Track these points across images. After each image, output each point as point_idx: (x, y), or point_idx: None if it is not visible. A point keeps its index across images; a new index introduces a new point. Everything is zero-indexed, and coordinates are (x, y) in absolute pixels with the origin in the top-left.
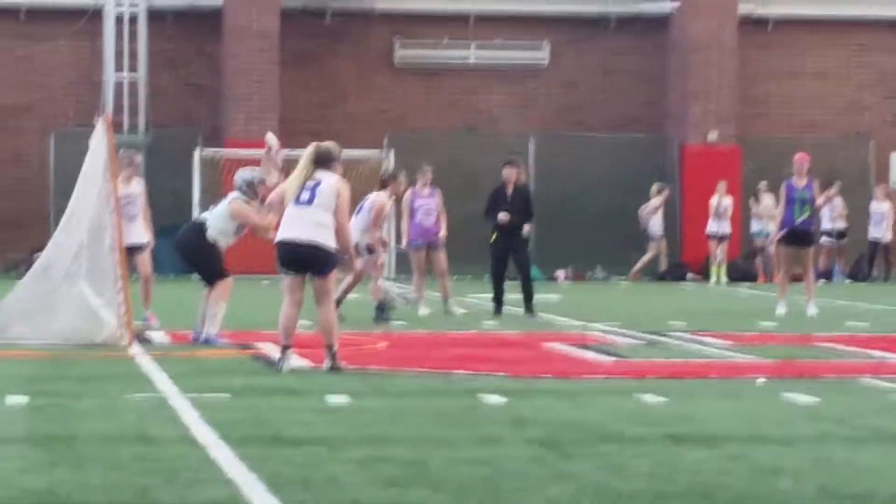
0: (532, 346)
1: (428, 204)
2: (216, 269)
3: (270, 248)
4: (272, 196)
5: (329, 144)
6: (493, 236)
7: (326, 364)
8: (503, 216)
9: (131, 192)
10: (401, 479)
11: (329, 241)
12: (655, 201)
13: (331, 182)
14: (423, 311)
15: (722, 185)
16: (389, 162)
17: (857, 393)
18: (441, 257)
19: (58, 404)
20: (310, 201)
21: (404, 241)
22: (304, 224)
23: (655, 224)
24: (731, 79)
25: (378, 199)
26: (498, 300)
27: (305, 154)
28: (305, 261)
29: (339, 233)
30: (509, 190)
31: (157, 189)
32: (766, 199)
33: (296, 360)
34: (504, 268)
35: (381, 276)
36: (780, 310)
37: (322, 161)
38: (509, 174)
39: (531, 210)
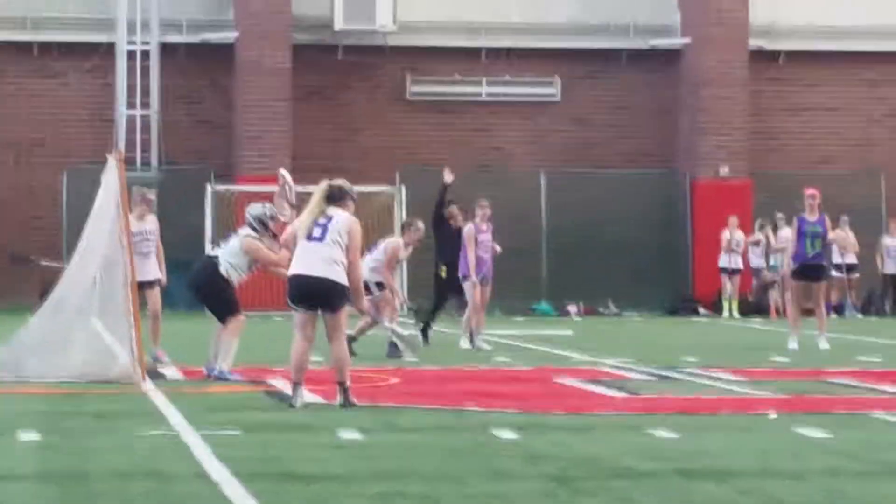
0: (544, 382)
1: (488, 239)
2: (229, 305)
3: (282, 284)
4: (285, 234)
5: (341, 182)
6: (444, 270)
7: (339, 400)
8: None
9: (144, 228)
10: None
11: (340, 277)
12: (755, 237)
13: (342, 219)
14: (465, 345)
15: (733, 220)
16: (401, 197)
17: (869, 427)
18: (487, 291)
19: (71, 441)
20: (321, 237)
21: (472, 275)
22: (315, 260)
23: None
24: (742, 113)
25: (395, 242)
26: (426, 331)
27: (317, 191)
28: (316, 296)
29: (350, 269)
30: (453, 225)
31: (169, 225)
32: (784, 232)
33: (308, 396)
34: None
35: (395, 317)
36: (792, 344)
37: (334, 198)
38: (453, 213)
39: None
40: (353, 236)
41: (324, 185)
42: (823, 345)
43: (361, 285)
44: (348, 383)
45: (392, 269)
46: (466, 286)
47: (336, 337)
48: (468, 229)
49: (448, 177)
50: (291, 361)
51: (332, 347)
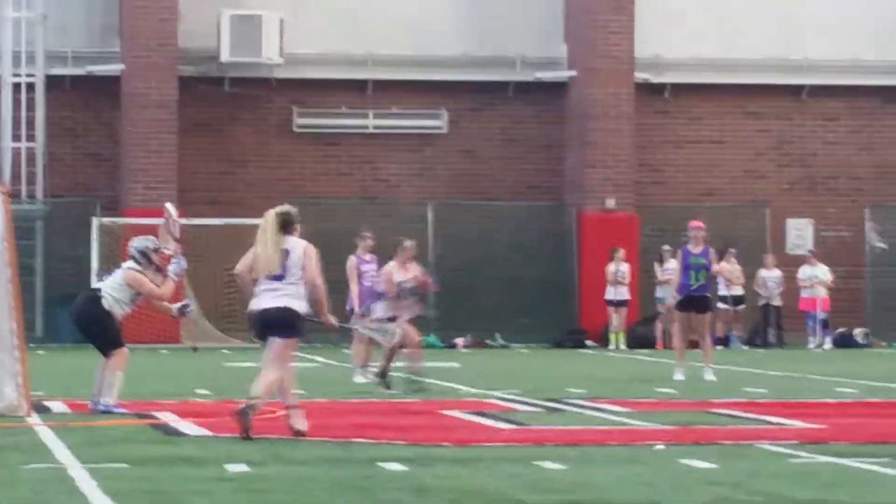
0: (432, 414)
1: (373, 270)
2: (112, 338)
3: (167, 318)
4: (239, 266)
5: (287, 208)
6: None
7: (240, 408)
8: None
9: None
10: None
11: (299, 306)
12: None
13: (299, 251)
14: (361, 379)
15: (620, 252)
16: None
17: (754, 458)
18: None
19: None
20: (283, 276)
21: (356, 307)
22: (275, 296)
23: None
24: (628, 145)
25: (386, 268)
26: None
27: (270, 223)
28: (273, 323)
29: (314, 290)
30: None
31: (55, 258)
32: (671, 264)
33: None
34: None
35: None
36: (678, 376)
37: (287, 226)
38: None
39: None
40: (310, 259)
41: (273, 215)
42: (709, 376)
43: (325, 300)
44: (257, 406)
45: (394, 291)
46: (354, 319)
47: (276, 364)
48: (352, 262)
49: None
50: (278, 390)
51: (267, 370)
